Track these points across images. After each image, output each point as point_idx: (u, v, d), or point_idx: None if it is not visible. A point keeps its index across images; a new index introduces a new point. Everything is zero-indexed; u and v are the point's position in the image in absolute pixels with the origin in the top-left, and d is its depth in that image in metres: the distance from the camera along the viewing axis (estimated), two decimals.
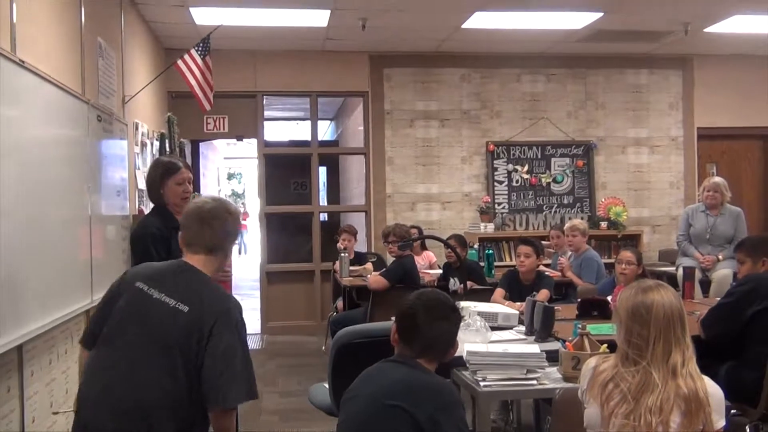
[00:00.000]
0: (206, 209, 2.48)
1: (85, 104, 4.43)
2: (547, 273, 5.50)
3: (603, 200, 8.63)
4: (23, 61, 3.34)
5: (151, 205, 3.70)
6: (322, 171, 11.05)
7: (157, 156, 6.44)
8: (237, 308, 2.41)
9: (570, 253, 6.30)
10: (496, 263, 7.71)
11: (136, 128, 6.03)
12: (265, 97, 8.54)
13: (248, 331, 7.11)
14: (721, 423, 2.13)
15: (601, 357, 2.29)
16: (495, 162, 8.57)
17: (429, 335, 2.25)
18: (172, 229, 3.45)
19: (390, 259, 6.55)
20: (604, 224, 8.43)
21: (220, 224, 2.47)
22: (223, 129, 8.41)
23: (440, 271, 6.84)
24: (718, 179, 6.28)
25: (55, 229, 3.75)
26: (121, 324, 2.33)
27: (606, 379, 2.16)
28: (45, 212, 3.65)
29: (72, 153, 4.21)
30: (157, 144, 6.54)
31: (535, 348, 3.23)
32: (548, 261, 6.52)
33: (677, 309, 2.17)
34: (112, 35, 5.40)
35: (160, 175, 3.52)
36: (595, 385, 2.18)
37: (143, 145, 6.23)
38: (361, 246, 7.81)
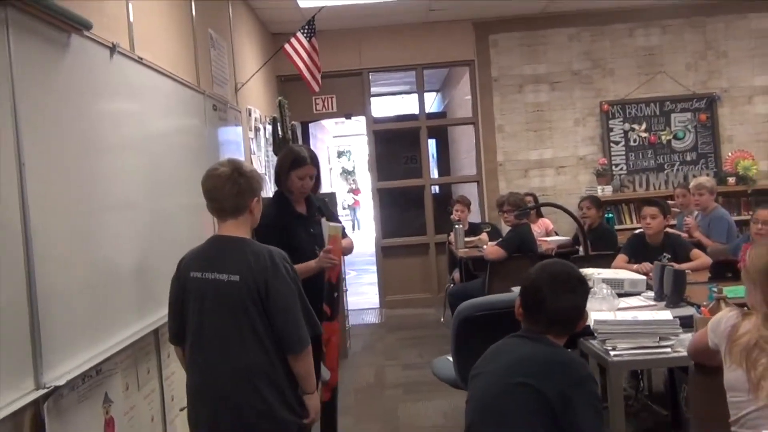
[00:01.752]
0: (217, 175, 2.54)
1: (201, 95, 4.58)
2: (676, 234, 5.23)
3: (729, 155, 8.15)
4: (141, 58, 3.48)
5: (274, 189, 3.78)
6: (431, 143, 11.01)
7: (270, 140, 6.59)
8: (279, 256, 2.53)
9: (696, 212, 5.98)
10: (615, 227, 7.47)
11: (249, 114, 6.19)
12: (370, 73, 8.55)
13: (368, 306, 7.21)
14: None
15: (739, 314, 2.16)
16: (610, 122, 8.24)
17: (556, 309, 2.17)
18: (288, 216, 3.54)
19: (505, 229, 6.46)
20: (731, 180, 7.97)
21: (233, 187, 2.53)
22: (332, 108, 8.51)
23: (559, 237, 6.68)
24: None
25: (180, 217, 3.91)
26: (199, 314, 2.51)
27: (750, 343, 2.04)
28: (170, 202, 3.81)
29: (191, 143, 4.37)
30: (269, 128, 6.69)
31: (667, 314, 3.09)
32: (673, 222, 6.22)
33: None
34: (221, 25, 5.55)
35: (289, 164, 3.56)
36: (736, 349, 2.07)
37: (257, 130, 6.39)
38: (474, 216, 7.74)
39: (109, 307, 2.94)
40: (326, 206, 3.79)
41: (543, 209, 7.36)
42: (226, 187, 2.53)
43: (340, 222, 3.73)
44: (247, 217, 2.59)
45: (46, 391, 2.31)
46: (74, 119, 2.75)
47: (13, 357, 2.20)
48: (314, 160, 3.60)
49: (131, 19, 3.47)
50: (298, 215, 3.57)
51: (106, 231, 2.97)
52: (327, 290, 3.49)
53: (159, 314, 3.26)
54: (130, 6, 3.47)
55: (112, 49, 3.09)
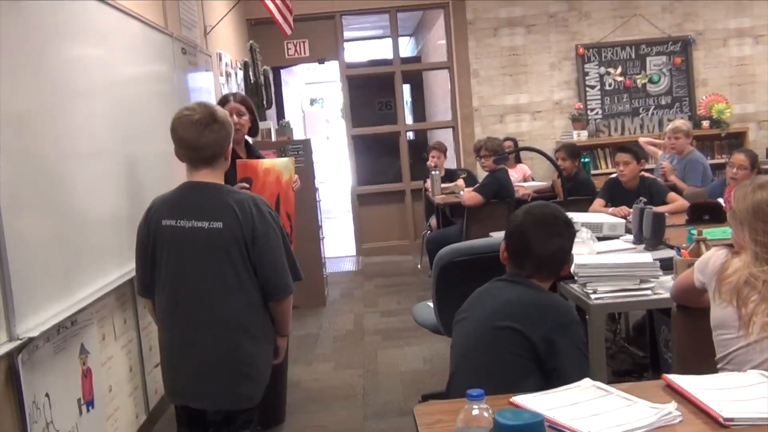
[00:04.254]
0: (192, 122, 2.41)
1: (169, 37, 4.42)
2: (652, 178, 5.23)
3: (704, 98, 8.14)
4: None
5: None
6: (406, 89, 10.86)
7: (242, 85, 6.44)
8: (264, 203, 2.49)
9: (668, 155, 5.96)
10: (592, 172, 7.48)
11: (220, 59, 6.02)
12: (343, 16, 8.36)
13: (345, 254, 7.19)
14: None
15: (727, 252, 2.15)
16: (586, 66, 8.17)
17: (542, 253, 2.13)
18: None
19: (482, 174, 6.42)
20: (705, 123, 7.98)
21: (210, 135, 2.42)
22: (304, 53, 8.33)
23: (535, 183, 6.67)
24: None
25: (152, 163, 3.81)
26: (176, 263, 2.41)
27: (739, 281, 2.04)
28: (141, 148, 3.70)
29: (160, 88, 4.24)
30: (240, 73, 6.53)
31: (647, 257, 3.09)
32: (652, 166, 6.21)
33: None
34: None
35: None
36: (725, 287, 2.07)
37: (228, 75, 6.23)
38: (450, 162, 7.69)
39: (83, 256, 2.87)
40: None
41: (521, 155, 7.33)
42: (203, 136, 2.40)
43: None
44: (223, 163, 2.50)
45: (19, 342, 2.25)
46: (37, 63, 2.63)
47: None
48: (243, 101, 3.72)
49: None
50: (236, 158, 3.51)
51: (76, 178, 2.88)
52: None
53: (134, 263, 3.19)
54: None
55: None
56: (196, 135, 2.40)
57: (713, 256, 2.18)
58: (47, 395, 2.48)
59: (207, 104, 2.53)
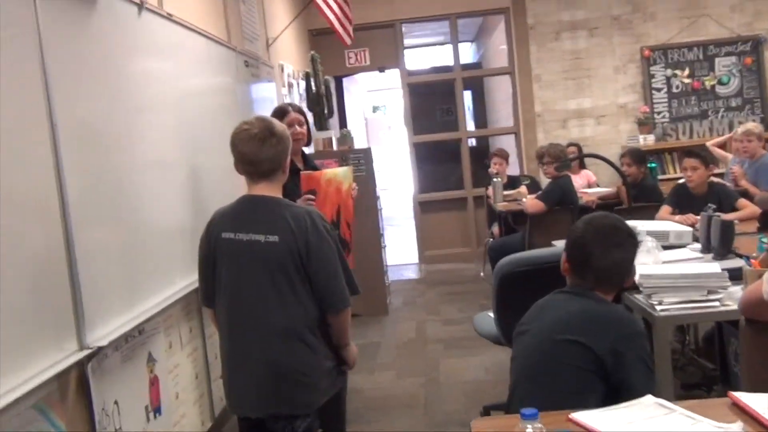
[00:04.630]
0: (251, 138, 2.45)
1: (232, 51, 4.52)
2: (722, 183, 5.07)
3: None
4: (170, 15, 3.42)
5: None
6: (467, 95, 10.81)
7: (304, 95, 6.52)
8: (319, 217, 2.51)
9: (738, 160, 5.76)
10: (659, 177, 7.30)
11: (282, 70, 6.12)
12: (403, 24, 8.39)
13: (407, 262, 7.20)
14: None
15: None
16: (651, 69, 7.99)
17: (603, 265, 2.09)
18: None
19: (545, 181, 6.34)
20: None
21: (269, 150, 2.46)
22: (365, 62, 8.38)
23: (600, 189, 6.54)
24: None
25: (216, 175, 3.89)
26: (235, 275, 2.46)
27: None
28: (206, 160, 3.78)
29: (224, 100, 4.33)
30: (303, 83, 6.62)
31: (715, 267, 2.99)
32: (722, 171, 6.01)
33: None
34: None
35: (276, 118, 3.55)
36: None
37: (290, 85, 6.33)
38: (512, 169, 7.61)
39: (150, 266, 2.95)
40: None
41: (586, 160, 7.21)
42: (262, 150, 2.45)
43: None
44: (281, 177, 2.54)
45: (89, 351, 2.33)
46: (105, 79, 2.72)
47: (55, 319, 2.21)
48: (299, 110, 3.81)
49: None
50: (297, 169, 3.55)
51: (142, 191, 2.96)
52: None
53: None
54: None
55: (140, 5, 3.05)
56: (255, 150, 2.45)
57: None
58: (116, 402, 2.56)
59: (265, 118, 2.57)
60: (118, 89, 2.83)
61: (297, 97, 6.49)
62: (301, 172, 3.48)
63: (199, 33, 3.87)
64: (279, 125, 2.54)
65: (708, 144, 6.28)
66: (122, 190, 2.78)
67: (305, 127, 3.76)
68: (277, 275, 2.42)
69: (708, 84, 7.98)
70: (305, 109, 6.40)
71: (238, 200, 2.55)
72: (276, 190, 2.53)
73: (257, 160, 2.47)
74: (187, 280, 3.25)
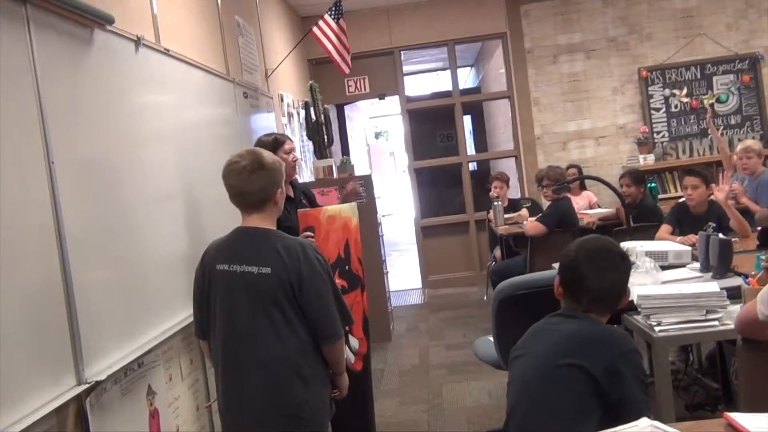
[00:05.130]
0: (238, 170, 2.49)
1: (231, 83, 4.57)
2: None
3: None
4: (168, 50, 3.47)
5: (311, 173, 3.88)
6: (467, 120, 10.88)
7: (304, 124, 6.57)
8: (311, 248, 2.52)
9: (739, 176, 5.77)
10: (660, 196, 7.31)
11: (281, 100, 6.17)
12: (402, 52, 8.47)
13: (410, 287, 7.18)
14: None
15: None
16: (650, 89, 8.03)
17: (596, 287, 2.10)
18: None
19: (546, 203, 6.35)
20: None
21: (256, 181, 2.49)
22: (365, 90, 8.45)
23: (600, 210, 6.55)
24: None
25: (216, 207, 3.91)
26: (229, 307, 2.48)
27: None
28: (205, 192, 3.81)
29: (224, 132, 4.37)
30: (302, 113, 6.67)
31: (713, 286, 2.99)
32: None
33: None
34: (248, 12, 5.52)
35: (272, 147, 3.59)
36: None
37: (290, 115, 6.38)
38: (514, 192, 7.64)
39: (149, 299, 2.96)
40: (307, 194, 4.01)
41: (586, 181, 7.22)
42: (249, 182, 2.48)
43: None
44: (273, 208, 2.56)
45: (87, 386, 2.34)
46: (102, 114, 2.76)
47: (53, 354, 2.22)
48: (289, 138, 3.90)
49: (155, 11, 3.46)
50: (288, 198, 3.57)
51: (141, 223, 2.98)
52: (336, 264, 3.54)
53: None
54: None
55: (137, 42, 3.09)
56: (243, 182, 2.49)
57: None
58: None
59: (256, 151, 2.60)
60: (116, 124, 2.86)
61: (297, 126, 6.54)
62: (299, 210, 3.50)
63: (197, 66, 3.92)
64: (269, 157, 2.56)
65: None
66: (121, 223, 2.80)
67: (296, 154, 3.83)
68: (270, 307, 2.43)
69: (706, 102, 8.00)
70: (304, 138, 6.49)
71: (232, 232, 2.58)
72: (269, 221, 2.55)
73: (246, 192, 2.50)
74: (187, 311, 3.26)
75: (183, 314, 3.24)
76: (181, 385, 3.28)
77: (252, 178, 2.48)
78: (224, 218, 3.92)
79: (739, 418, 1.73)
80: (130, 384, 2.73)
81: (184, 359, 3.34)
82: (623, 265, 2.18)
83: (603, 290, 2.12)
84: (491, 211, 6.66)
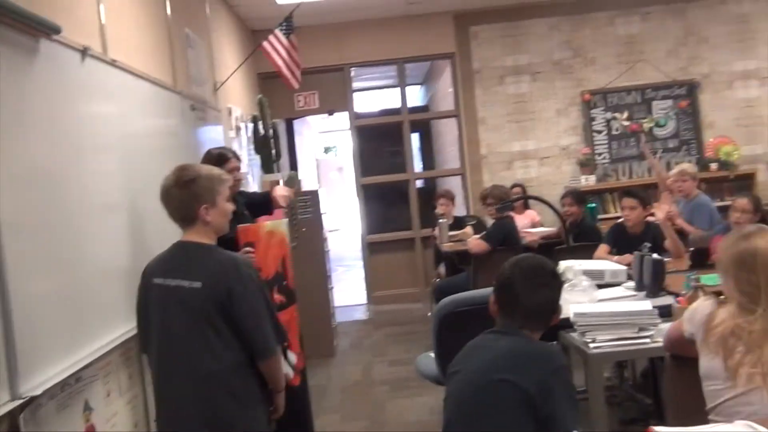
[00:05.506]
0: (165, 186, 2.56)
1: (178, 95, 4.55)
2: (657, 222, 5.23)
3: (711, 140, 8.18)
4: (115, 61, 3.45)
5: (258, 185, 3.86)
6: (415, 137, 10.98)
7: (252, 138, 6.57)
8: (245, 264, 2.54)
9: (674, 199, 5.98)
10: (600, 216, 7.50)
11: (230, 113, 6.16)
12: (352, 68, 8.53)
13: (354, 303, 7.19)
14: None
15: (714, 303, 2.17)
16: (592, 111, 8.26)
17: (530, 305, 2.17)
18: None
19: (490, 221, 6.45)
20: (713, 166, 8.00)
21: (176, 198, 2.54)
22: (314, 105, 8.48)
23: (542, 229, 6.69)
24: None
25: (160, 219, 3.87)
26: (162, 321, 2.51)
27: (725, 333, 2.06)
28: (149, 204, 3.77)
29: (169, 144, 4.34)
30: (251, 126, 6.66)
31: (646, 304, 3.10)
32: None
33: None
34: (198, 24, 5.51)
35: (215, 164, 3.57)
36: (712, 338, 2.09)
37: (238, 129, 6.36)
38: (459, 210, 7.74)
39: (89, 312, 2.92)
40: (252, 199, 4.02)
41: (530, 200, 7.37)
42: (170, 199, 2.55)
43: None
44: (204, 224, 2.56)
45: (22, 401, 2.29)
46: (47, 124, 2.72)
47: None
48: (236, 155, 3.88)
49: (103, 21, 3.44)
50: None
51: (83, 235, 2.95)
52: (274, 280, 3.53)
53: None
54: (102, 8, 3.44)
55: (83, 52, 3.06)
56: (166, 199, 2.56)
57: (700, 307, 2.20)
58: None
59: (183, 167, 2.64)
60: (61, 134, 2.83)
61: (245, 140, 6.53)
62: (239, 226, 3.49)
63: (144, 78, 3.89)
64: (192, 173, 2.57)
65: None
66: (62, 234, 2.76)
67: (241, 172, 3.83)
68: (202, 322, 2.44)
69: (646, 126, 8.28)
70: (251, 152, 6.47)
71: (171, 246, 2.61)
72: (205, 236, 2.57)
73: (170, 209, 2.56)
74: (127, 325, 3.22)
75: (122, 329, 3.20)
76: (120, 400, 3.23)
77: (172, 194, 2.54)
78: (168, 232, 3.89)
79: (663, 431, 1.81)
80: (66, 399, 2.69)
81: (122, 374, 3.29)
82: (555, 283, 2.25)
83: (536, 307, 2.18)
84: (437, 228, 6.74)
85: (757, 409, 1.98)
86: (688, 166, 6.13)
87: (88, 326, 2.90)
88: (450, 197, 7.02)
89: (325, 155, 20.62)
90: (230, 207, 2.69)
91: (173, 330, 2.48)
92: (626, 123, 8.28)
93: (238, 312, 2.44)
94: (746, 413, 1.97)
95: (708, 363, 2.10)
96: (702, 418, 2.06)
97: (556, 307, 2.23)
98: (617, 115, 8.27)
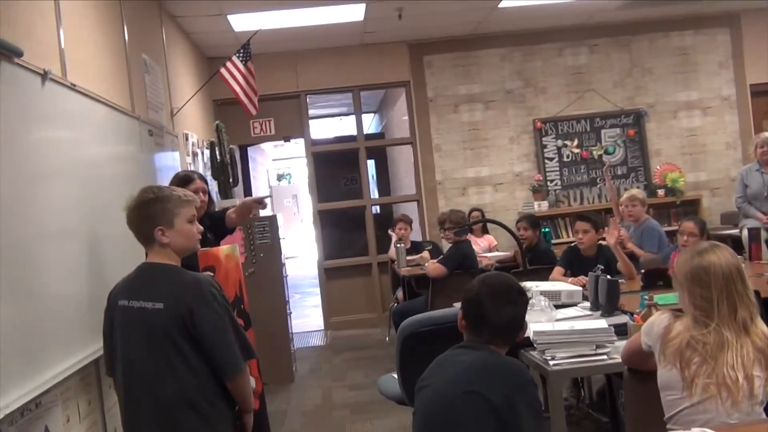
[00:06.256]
0: (127, 208, 2.62)
1: (136, 120, 4.53)
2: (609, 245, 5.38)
3: (658, 168, 8.46)
4: (74, 85, 3.44)
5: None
6: (371, 164, 11.08)
7: (208, 164, 6.55)
8: (207, 283, 2.54)
9: (625, 223, 6.16)
10: (553, 241, 7.65)
11: (186, 139, 6.14)
12: (308, 96, 8.60)
13: (312, 329, 7.16)
14: None
15: (670, 316, 2.26)
16: (544, 139, 8.46)
17: (497, 321, 2.23)
18: None
19: (447, 246, 6.54)
20: (661, 192, 8.27)
21: (134, 220, 2.61)
22: (270, 131, 8.50)
23: (498, 254, 6.80)
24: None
25: (117, 245, 3.85)
26: (126, 343, 2.53)
27: (681, 345, 2.15)
28: (106, 229, 3.75)
29: (127, 169, 4.31)
30: (207, 152, 6.65)
31: (602, 323, 3.19)
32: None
33: (734, 266, 2.19)
34: (155, 51, 5.51)
35: (178, 185, 3.58)
36: (669, 350, 2.18)
37: (194, 154, 6.35)
38: (415, 235, 7.82)
39: (48, 338, 2.87)
40: (218, 218, 3.94)
41: (488, 226, 7.50)
42: (129, 221, 2.60)
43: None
44: (162, 246, 2.58)
45: None
46: (6, 148, 2.70)
47: None
48: (202, 177, 3.88)
49: (62, 45, 3.43)
50: None
51: (41, 261, 2.91)
52: (234, 303, 3.55)
53: (99, 344, 3.19)
54: (62, 32, 3.43)
55: (44, 75, 3.05)
56: (128, 220, 2.61)
57: (657, 320, 2.29)
58: None
59: (146, 188, 2.69)
60: (19, 158, 2.80)
61: (201, 166, 6.51)
62: (198, 250, 3.47)
63: (103, 102, 3.88)
64: (151, 194, 2.61)
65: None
66: (19, 260, 2.72)
67: (207, 195, 3.81)
68: (165, 343, 2.44)
69: (596, 153, 8.51)
70: (209, 178, 6.45)
71: (136, 268, 2.63)
72: (167, 257, 2.58)
73: (132, 231, 2.61)
74: (86, 351, 3.18)
75: (81, 354, 3.15)
76: (79, 426, 3.18)
77: (131, 216, 2.60)
78: (128, 256, 3.86)
79: None
80: (26, 425, 2.64)
81: (82, 400, 3.24)
82: (521, 299, 2.32)
83: (503, 323, 2.24)
84: (392, 248, 6.79)
85: (712, 417, 2.06)
86: (638, 192, 6.32)
87: (47, 352, 2.86)
88: (408, 221, 7.10)
89: (279, 183, 20.58)
90: (192, 228, 2.69)
91: (137, 353, 2.48)
92: (576, 150, 8.50)
93: (201, 331, 2.44)
94: (702, 421, 2.06)
95: (666, 374, 2.18)
96: (660, 429, 2.14)
97: (521, 324, 2.30)
98: (568, 142, 8.49)
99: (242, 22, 6.71)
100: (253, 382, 3.56)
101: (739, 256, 2.32)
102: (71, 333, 3.11)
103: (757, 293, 2.59)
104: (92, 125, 3.73)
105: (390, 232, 7.12)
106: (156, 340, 2.45)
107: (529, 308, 3.42)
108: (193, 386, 2.45)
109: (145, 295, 2.49)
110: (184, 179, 3.75)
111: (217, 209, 4.69)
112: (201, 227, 2.76)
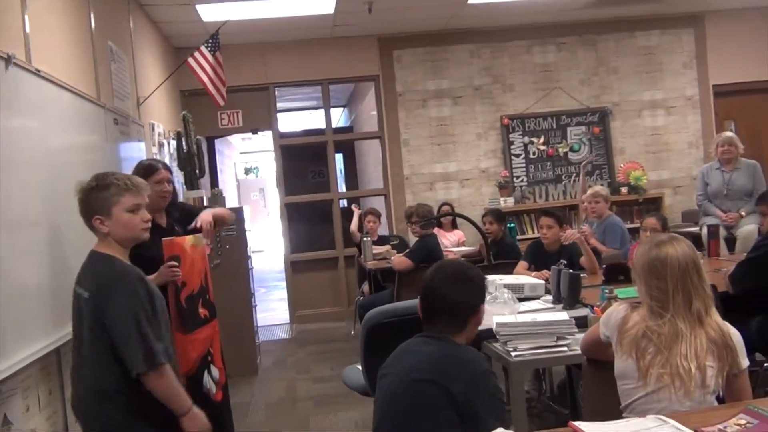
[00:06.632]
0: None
1: (101, 108, 4.48)
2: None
3: (622, 165, 8.59)
4: (39, 70, 3.39)
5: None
6: (339, 158, 11.09)
7: (175, 155, 6.51)
8: (134, 277, 2.51)
9: (588, 220, 6.27)
10: (518, 236, 7.74)
11: (153, 129, 6.09)
12: (276, 88, 8.57)
13: (278, 322, 7.14)
14: (745, 363, 2.22)
15: (627, 307, 2.32)
16: (510, 136, 8.54)
17: (448, 303, 2.26)
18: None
19: (413, 240, 6.58)
20: (624, 189, 8.40)
21: (80, 205, 2.64)
22: (238, 123, 8.46)
23: (464, 248, 6.86)
24: (728, 133, 6.28)
25: (81, 234, 3.81)
26: (73, 327, 2.60)
27: (637, 334, 2.20)
28: (70, 218, 3.70)
29: (92, 158, 4.26)
30: (173, 143, 6.60)
31: (563, 315, 3.25)
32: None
33: (691, 258, 2.23)
34: (122, 39, 5.45)
35: (143, 175, 3.54)
36: (626, 340, 2.23)
37: (161, 145, 6.29)
38: (383, 229, 7.85)
39: (7, 326, 2.84)
40: (189, 212, 3.87)
41: (457, 221, 7.56)
42: (79, 209, 2.63)
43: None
44: (102, 235, 2.60)
45: None
46: None
47: None
48: (166, 167, 3.80)
49: (27, 30, 3.39)
50: (155, 226, 3.52)
51: (2, 249, 2.87)
52: (199, 293, 3.50)
53: (61, 333, 3.18)
54: (26, 17, 3.39)
55: (7, 60, 3.01)
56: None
57: (615, 311, 2.34)
58: None
59: (95, 175, 2.70)
60: None
61: (167, 156, 6.46)
62: (163, 239, 3.43)
63: (68, 89, 3.83)
64: (93, 182, 2.64)
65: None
66: None
67: (172, 185, 3.77)
68: (91, 332, 2.47)
69: (561, 151, 8.61)
70: (174, 168, 6.40)
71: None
72: (109, 246, 2.59)
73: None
74: (47, 340, 3.15)
75: (42, 342, 3.12)
76: (39, 416, 3.15)
77: (78, 204, 2.62)
78: (90, 245, 3.83)
79: (582, 426, 1.92)
80: None
81: (42, 389, 3.21)
82: (475, 284, 2.32)
83: (452, 308, 2.26)
84: (354, 219, 6.78)
85: (665, 406, 2.12)
86: (601, 189, 6.40)
87: (6, 341, 2.82)
88: (377, 215, 7.14)
89: (246, 176, 20.47)
90: (133, 218, 2.63)
91: (75, 340, 2.57)
92: (543, 147, 8.59)
93: (107, 323, 2.42)
94: (656, 410, 2.11)
95: (622, 363, 2.23)
96: (616, 416, 2.19)
97: (474, 310, 2.29)
98: (534, 139, 8.58)
99: (211, 12, 6.66)
100: (218, 372, 3.55)
101: (698, 252, 2.38)
102: (32, 321, 3.07)
103: (714, 288, 2.66)
104: (57, 112, 3.68)
105: (353, 206, 7.15)
106: (87, 329, 2.49)
107: (492, 301, 3.50)
108: (113, 379, 2.44)
109: (82, 282, 2.55)
110: (148, 168, 3.70)
111: (180, 200, 4.64)
112: (148, 216, 2.70)
